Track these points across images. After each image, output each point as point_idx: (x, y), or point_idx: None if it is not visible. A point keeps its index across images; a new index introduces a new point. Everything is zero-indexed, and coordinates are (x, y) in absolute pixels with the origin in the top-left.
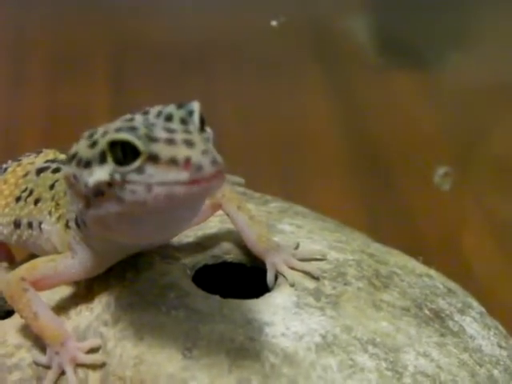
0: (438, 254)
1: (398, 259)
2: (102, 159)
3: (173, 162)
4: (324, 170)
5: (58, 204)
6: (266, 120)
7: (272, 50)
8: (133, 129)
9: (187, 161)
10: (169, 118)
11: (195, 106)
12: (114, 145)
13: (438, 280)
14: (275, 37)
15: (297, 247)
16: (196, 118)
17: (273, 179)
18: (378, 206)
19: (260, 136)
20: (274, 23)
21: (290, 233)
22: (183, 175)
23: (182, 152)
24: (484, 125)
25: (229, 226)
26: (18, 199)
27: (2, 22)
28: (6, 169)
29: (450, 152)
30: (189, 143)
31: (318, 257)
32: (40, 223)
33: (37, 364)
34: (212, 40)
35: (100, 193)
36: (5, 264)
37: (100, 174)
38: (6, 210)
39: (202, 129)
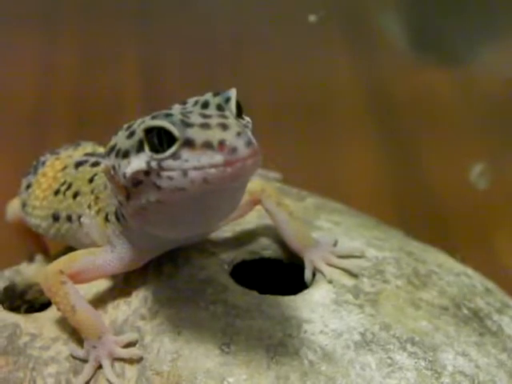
0: (472, 253)
1: (436, 257)
2: (140, 148)
3: (207, 145)
4: (355, 168)
5: (97, 197)
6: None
7: (307, 43)
8: (168, 115)
9: (221, 143)
10: (205, 105)
11: (232, 93)
12: (149, 132)
13: (476, 279)
14: (311, 31)
15: (335, 244)
16: (232, 104)
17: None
18: (410, 204)
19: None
20: (311, 18)
21: (327, 229)
22: (218, 158)
23: (216, 135)
24: None
25: (267, 221)
26: (56, 192)
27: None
28: (44, 162)
29: (487, 149)
30: (223, 126)
31: (357, 254)
32: (79, 217)
33: (74, 357)
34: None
35: (138, 182)
36: (40, 257)
37: (137, 162)
38: (44, 202)
39: (239, 116)
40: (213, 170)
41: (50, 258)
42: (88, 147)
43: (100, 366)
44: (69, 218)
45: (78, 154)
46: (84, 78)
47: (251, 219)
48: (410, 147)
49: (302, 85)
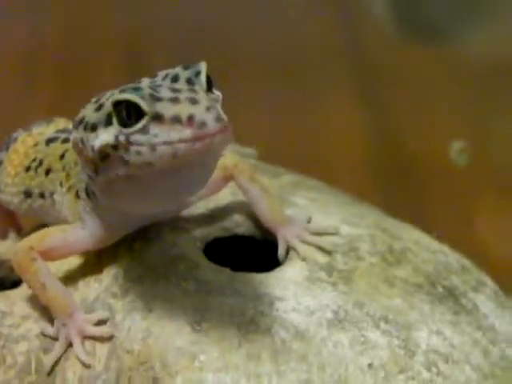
0: (451, 230)
1: (412, 235)
2: (108, 122)
3: (176, 120)
4: (335, 140)
5: (68, 174)
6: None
7: (290, 21)
8: (137, 89)
9: (190, 118)
10: (175, 79)
11: (202, 66)
12: (118, 106)
13: (453, 257)
14: (294, 10)
15: (309, 221)
16: (202, 78)
17: None
18: (390, 179)
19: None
20: None
21: (302, 206)
22: (186, 132)
23: (185, 110)
24: (502, 99)
25: (240, 198)
26: (27, 169)
27: None
28: (16, 138)
29: (467, 126)
30: (193, 101)
31: (331, 231)
32: (52, 193)
33: (44, 335)
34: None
35: (106, 156)
36: (13, 234)
37: (105, 136)
38: (16, 179)
39: (209, 90)
40: (181, 145)
41: (22, 235)
42: (60, 123)
43: (70, 344)
44: (41, 195)
45: (49, 130)
46: (68, 50)
47: (224, 196)
48: (390, 120)
49: (281, 52)
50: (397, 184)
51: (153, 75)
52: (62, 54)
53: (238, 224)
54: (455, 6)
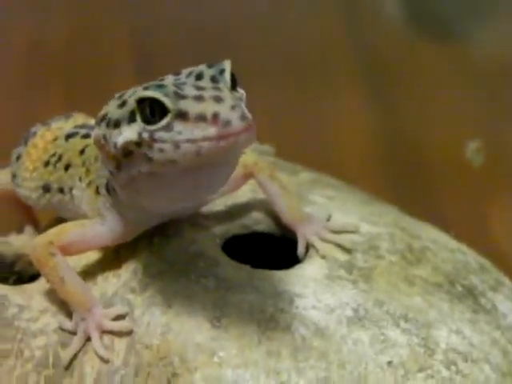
0: (465, 230)
1: (430, 233)
2: (131, 119)
3: (201, 118)
4: (347, 136)
5: (88, 170)
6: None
7: (298, 19)
8: (161, 86)
9: (215, 116)
10: (199, 77)
11: (226, 64)
12: (142, 103)
13: (471, 256)
14: (300, 5)
15: (329, 219)
16: (227, 76)
17: None
18: (403, 178)
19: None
20: None
21: (321, 204)
22: (211, 131)
23: (210, 108)
24: None
25: (260, 195)
26: (46, 164)
27: None
28: (34, 133)
29: (482, 126)
30: (217, 99)
31: (351, 229)
32: (71, 189)
33: (62, 330)
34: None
35: (129, 153)
36: (29, 228)
37: (129, 133)
38: (34, 174)
39: (233, 88)
40: (205, 143)
41: (39, 229)
42: (79, 119)
43: (89, 339)
44: (60, 190)
45: (68, 125)
46: (74, 50)
47: (244, 193)
48: (402, 119)
49: (288, 51)
50: (409, 183)
51: (176, 72)
52: (66, 55)
53: (257, 221)
54: (466, 5)
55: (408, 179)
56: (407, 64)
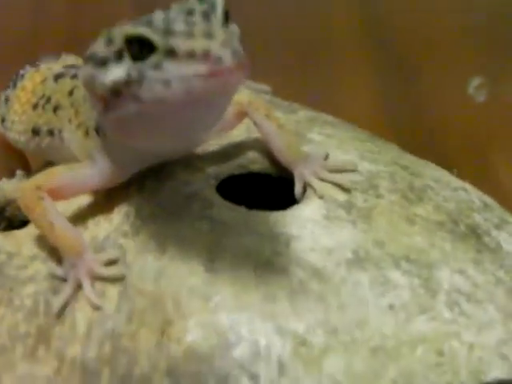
0: (468, 168)
1: (432, 172)
2: (119, 56)
3: (191, 54)
4: (350, 79)
5: (77, 111)
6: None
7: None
8: (149, 23)
9: (206, 53)
10: (190, 13)
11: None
12: (130, 40)
13: (474, 194)
14: None
15: (327, 157)
16: (219, 11)
17: None
18: (406, 119)
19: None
20: None
21: (319, 142)
22: (202, 68)
23: (200, 44)
24: None
25: (256, 134)
26: (35, 106)
27: None
28: (23, 75)
29: (485, 63)
30: (208, 35)
31: (350, 168)
32: (60, 131)
33: (53, 276)
34: None
35: (118, 93)
36: (21, 172)
37: (117, 71)
38: (23, 117)
39: (226, 24)
40: (196, 81)
41: (31, 174)
42: (69, 59)
43: (80, 285)
44: (50, 133)
45: (58, 66)
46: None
47: (239, 132)
48: (407, 62)
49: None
50: (414, 124)
51: (166, 8)
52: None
53: (253, 161)
54: None
55: (412, 125)
56: (410, 12)
